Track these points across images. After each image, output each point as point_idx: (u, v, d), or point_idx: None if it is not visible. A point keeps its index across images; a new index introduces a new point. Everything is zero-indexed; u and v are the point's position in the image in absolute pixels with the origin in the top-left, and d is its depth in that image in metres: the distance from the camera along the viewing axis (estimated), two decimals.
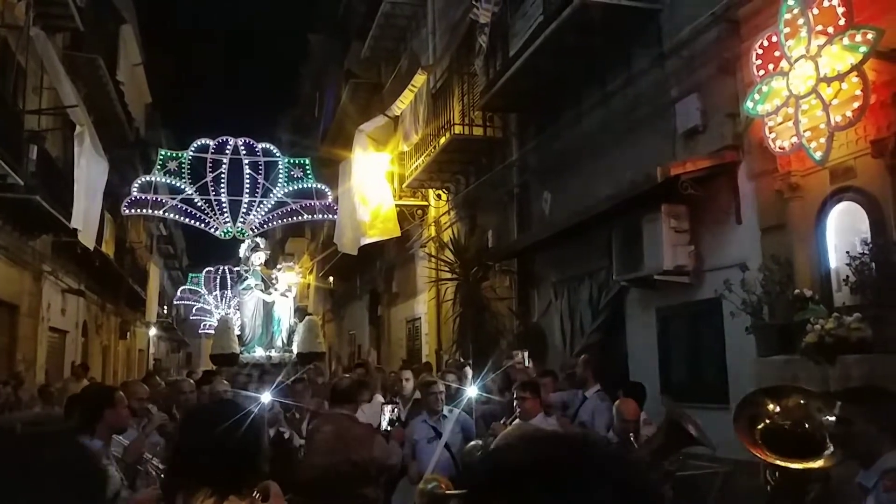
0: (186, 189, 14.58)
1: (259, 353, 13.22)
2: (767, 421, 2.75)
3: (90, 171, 12.32)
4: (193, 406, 3.46)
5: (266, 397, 6.27)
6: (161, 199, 14.74)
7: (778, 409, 2.80)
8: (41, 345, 14.98)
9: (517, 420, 5.54)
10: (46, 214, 12.58)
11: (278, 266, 15.27)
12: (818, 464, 2.63)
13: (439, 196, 13.98)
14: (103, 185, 13.31)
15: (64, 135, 14.47)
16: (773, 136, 5.51)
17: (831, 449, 2.61)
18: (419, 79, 12.45)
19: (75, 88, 12.81)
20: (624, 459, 0.96)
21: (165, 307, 35.85)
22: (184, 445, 2.12)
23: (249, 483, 2.02)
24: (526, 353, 7.70)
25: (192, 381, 6.98)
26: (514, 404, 5.75)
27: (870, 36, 4.67)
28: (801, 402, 2.84)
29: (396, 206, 13.93)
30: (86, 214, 12.37)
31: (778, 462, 2.64)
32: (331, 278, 23.39)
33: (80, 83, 14.98)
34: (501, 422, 5.79)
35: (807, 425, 2.71)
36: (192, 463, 2.01)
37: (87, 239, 13.17)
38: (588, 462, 0.92)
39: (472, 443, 5.64)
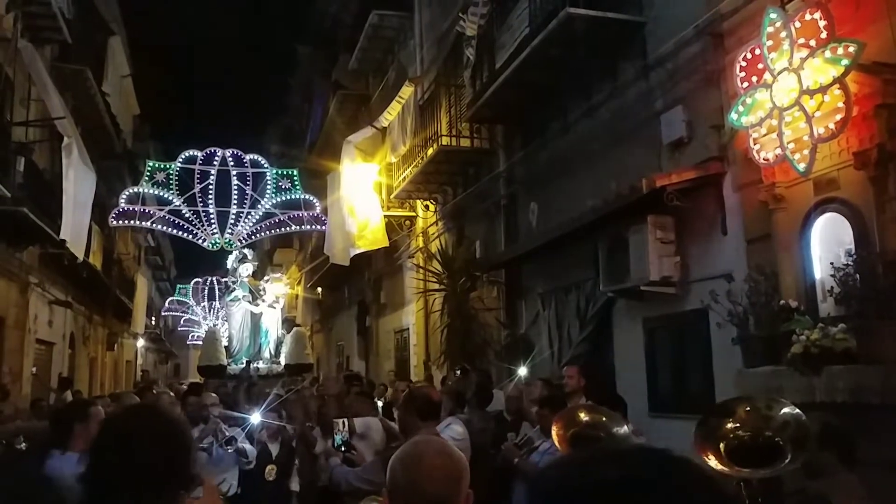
0: (174, 200, 14.50)
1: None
2: (731, 437, 2.73)
3: (78, 183, 12.27)
4: (107, 417, 3.20)
5: (256, 418, 6.25)
6: (149, 211, 14.65)
7: (733, 424, 2.79)
8: (28, 357, 14.85)
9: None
10: (33, 226, 12.48)
11: (266, 277, 15.19)
12: (776, 468, 2.61)
13: (427, 207, 14.00)
14: (92, 197, 13.25)
15: (52, 146, 14.39)
16: (757, 147, 5.55)
17: (789, 455, 2.62)
18: (407, 90, 12.48)
19: (63, 100, 12.77)
20: (712, 478, 0.90)
21: (154, 318, 35.67)
22: (97, 462, 1.89)
23: (179, 493, 1.86)
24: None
25: (171, 393, 6.90)
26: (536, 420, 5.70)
27: (851, 49, 4.72)
28: (748, 408, 2.85)
29: (384, 216, 13.95)
30: (74, 226, 12.32)
31: (745, 473, 2.64)
32: (319, 289, 23.36)
33: (68, 95, 14.93)
34: (514, 441, 5.70)
35: (767, 432, 2.72)
36: (108, 481, 1.82)
37: (77, 249, 13.12)
38: (681, 479, 0.87)
39: None
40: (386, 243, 13.80)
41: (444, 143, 11.53)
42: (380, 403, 8.72)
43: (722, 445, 2.68)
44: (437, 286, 11.79)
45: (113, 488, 1.80)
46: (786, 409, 2.73)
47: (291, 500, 6.47)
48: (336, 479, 4.55)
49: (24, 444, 5.73)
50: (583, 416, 4.26)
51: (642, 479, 0.86)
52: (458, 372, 8.94)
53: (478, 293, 11.18)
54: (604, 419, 4.17)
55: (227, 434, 5.87)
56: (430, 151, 11.78)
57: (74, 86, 15.96)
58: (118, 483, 1.80)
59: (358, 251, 13.73)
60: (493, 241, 11.10)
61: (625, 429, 4.13)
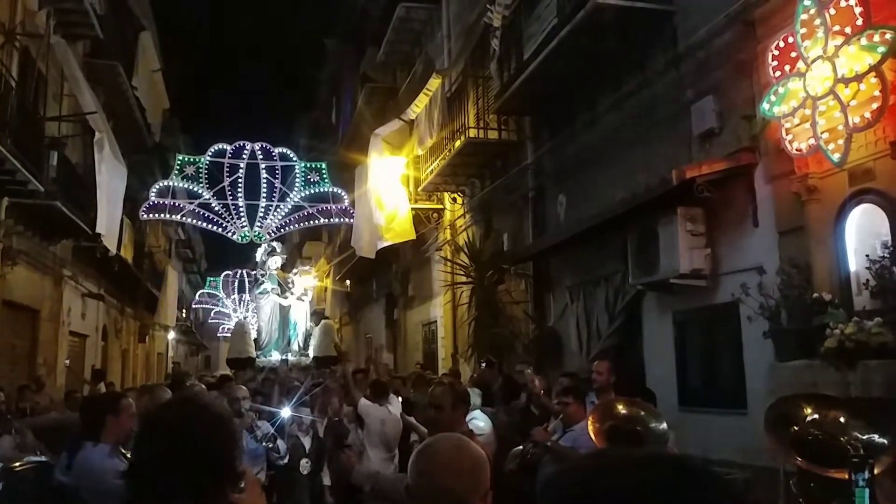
0: (204, 194, 14.67)
1: (275, 356, 13.26)
2: (797, 427, 2.62)
3: (110, 177, 12.42)
4: (153, 409, 3.16)
5: (286, 412, 6.29)
6: (179, 204, 14.84)
7: (815, 416, 2.67)
8: (62, 349, 15.12)
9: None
10: (67, 220, 12.70)
11: (295, 270, 15.33)
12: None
13: (454, 199, 13.98)
14: (123, 191, 13.43)
15: (84, 141, 14.62)
16: (790, 137, 5.45)
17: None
18: (434, 82, 12.45)
19: (95, 95, 12.94)
20: (730, 486, 0.89)
21: (184, 311, 36.05)
22: (142, 455, 1.83)
23: (225, 489, 1.77)
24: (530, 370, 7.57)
25: (203, 385, 6.95)
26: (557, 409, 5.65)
27: (888, 36, 4.61)
28: (842, 419, 2.71)
29: (412, 209, 13.94)
30: (108, 220, 12.48)
31: (814, 469, 2.54)
32: (347, 281, 23.43)
33: (100, 90, 15.13)
34: (544, 427, 5.65)
35: (842, 439, 2.60)
36: (154, 474, 1.74)
37: (111, 243, 13.32)
38: (694, 487, 0.86)
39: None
40: (413, 236, 13.80)
41: (471, 135, 11.48)
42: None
43: (791, 429, 2.60)
44: (464, 279, 11.77)
45: (158, 485, 1.71)
46: (871, 435, 2.57)
47: (325, 494, 6.52)
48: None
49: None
50: (621, 409, 4.19)
51: (658, 487, 0.84)
52: (483, 364, 8.92)
53: (505, 286, 11.14)
54: (642, 413, 4.10)
55: (267, 432, 5.90)
56: (458, 144, 11.75)
57: (106, 81, 16.18)
58: (163, 479, 1.71)
59: (385, 244, 13.74)
60: (521, 234, 11.05)
61: (663, 425, 4.05)
